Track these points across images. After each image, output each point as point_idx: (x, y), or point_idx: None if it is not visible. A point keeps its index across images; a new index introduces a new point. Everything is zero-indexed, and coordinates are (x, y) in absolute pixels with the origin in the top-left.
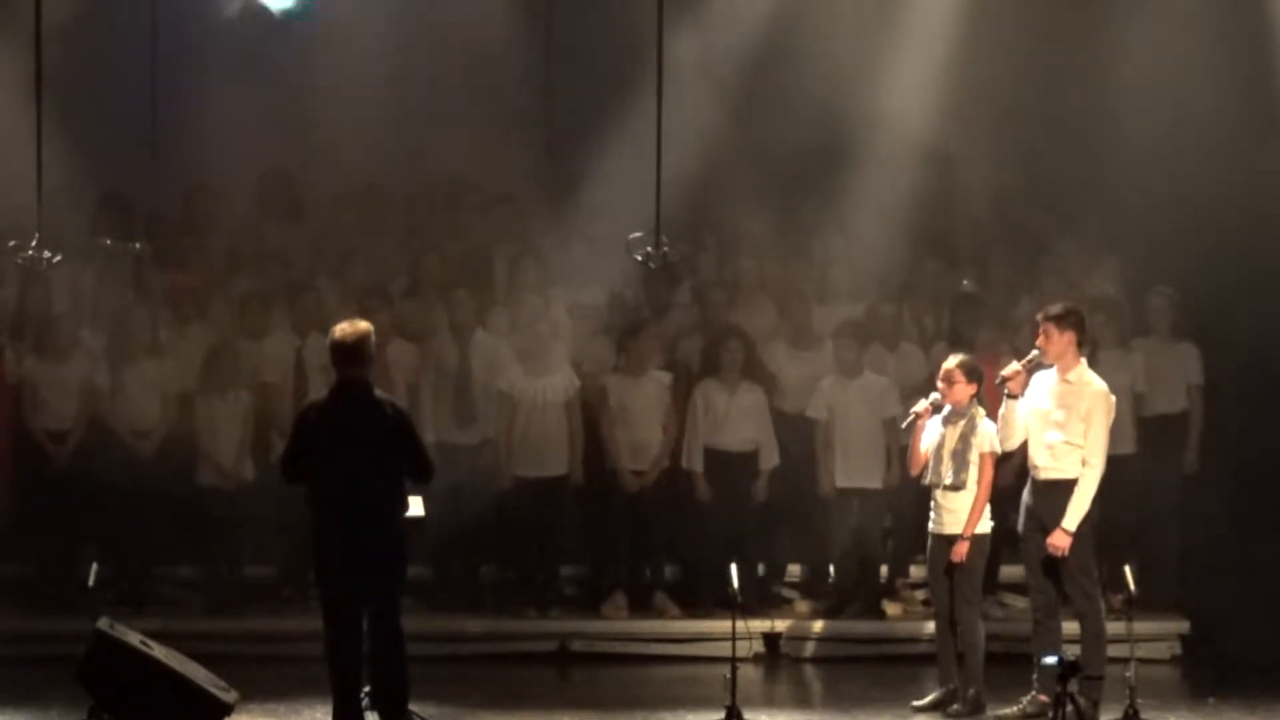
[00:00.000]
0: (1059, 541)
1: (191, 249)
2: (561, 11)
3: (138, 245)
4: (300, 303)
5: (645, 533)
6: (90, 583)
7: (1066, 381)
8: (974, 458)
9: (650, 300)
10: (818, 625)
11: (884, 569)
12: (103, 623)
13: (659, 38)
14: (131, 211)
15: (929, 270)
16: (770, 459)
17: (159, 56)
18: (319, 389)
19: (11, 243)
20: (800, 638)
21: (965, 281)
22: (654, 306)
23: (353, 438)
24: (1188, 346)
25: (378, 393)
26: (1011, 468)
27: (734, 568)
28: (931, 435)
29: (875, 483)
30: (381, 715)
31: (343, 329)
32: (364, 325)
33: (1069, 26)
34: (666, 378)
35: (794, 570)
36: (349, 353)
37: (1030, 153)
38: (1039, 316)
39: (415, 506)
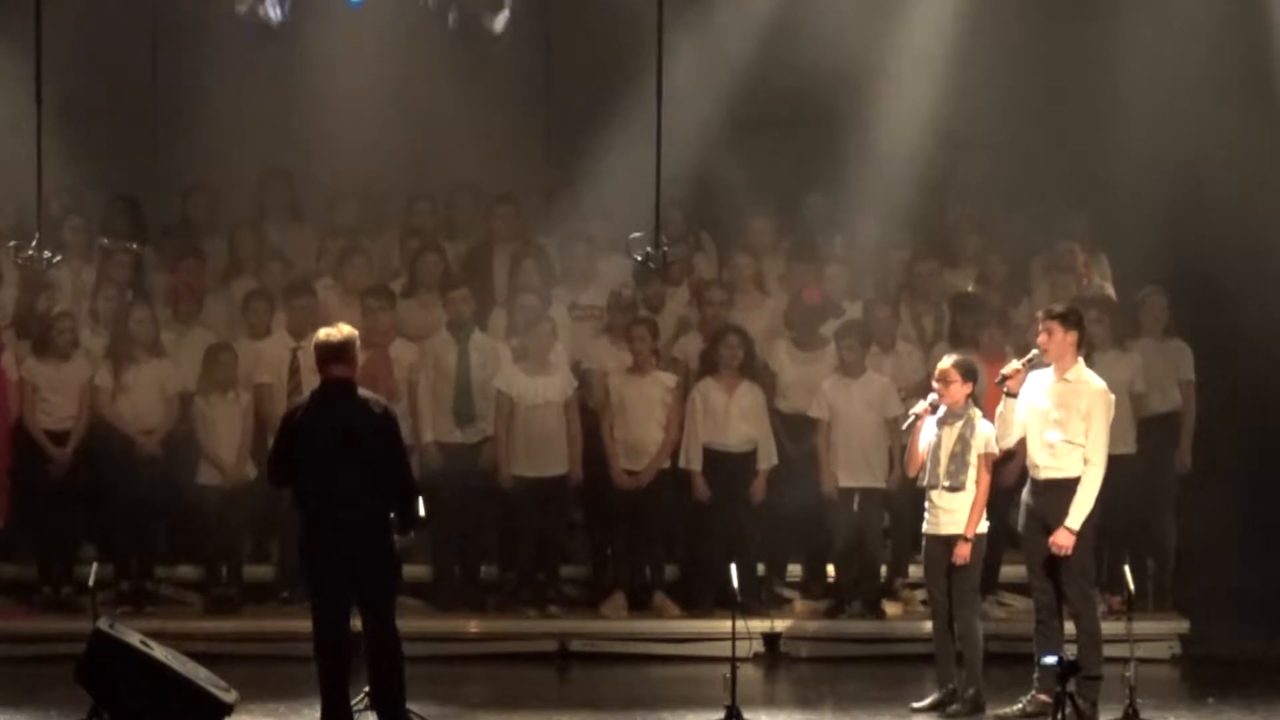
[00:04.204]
0: (1062, 541)
1: (191, 249)
2: (561, 11)
3: (136, 246)
4: (295, 304)
5: (645, 533)
6: (90, 583)
7: (1065, 380)
8: (972, 459)
9: (649, 300)
10: (818, 625)
11: (883, 569)
12: (103, 623)
13: (659, 38)
14: (140, 213)
15: (929, 270)
16: (768, 458)
17: (159, 57)
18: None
19: (12, 243)
20: (800, 638)
21: (971, 286)
22: (653, 306)
23: (338, 438)
24: (1178, 343)
25: (363, 392)
26: (1014, 468)
27: (734, 568)
28: (927, 436)
29: (876, 483)
30: (379, 716)
31: (328, 330)
32: (349, 329)
33: (1068, 27)
34: (671, 379)
35: (794, 570)
36: (334, 352)
37: (1029, 152)
38: (1040, 314)
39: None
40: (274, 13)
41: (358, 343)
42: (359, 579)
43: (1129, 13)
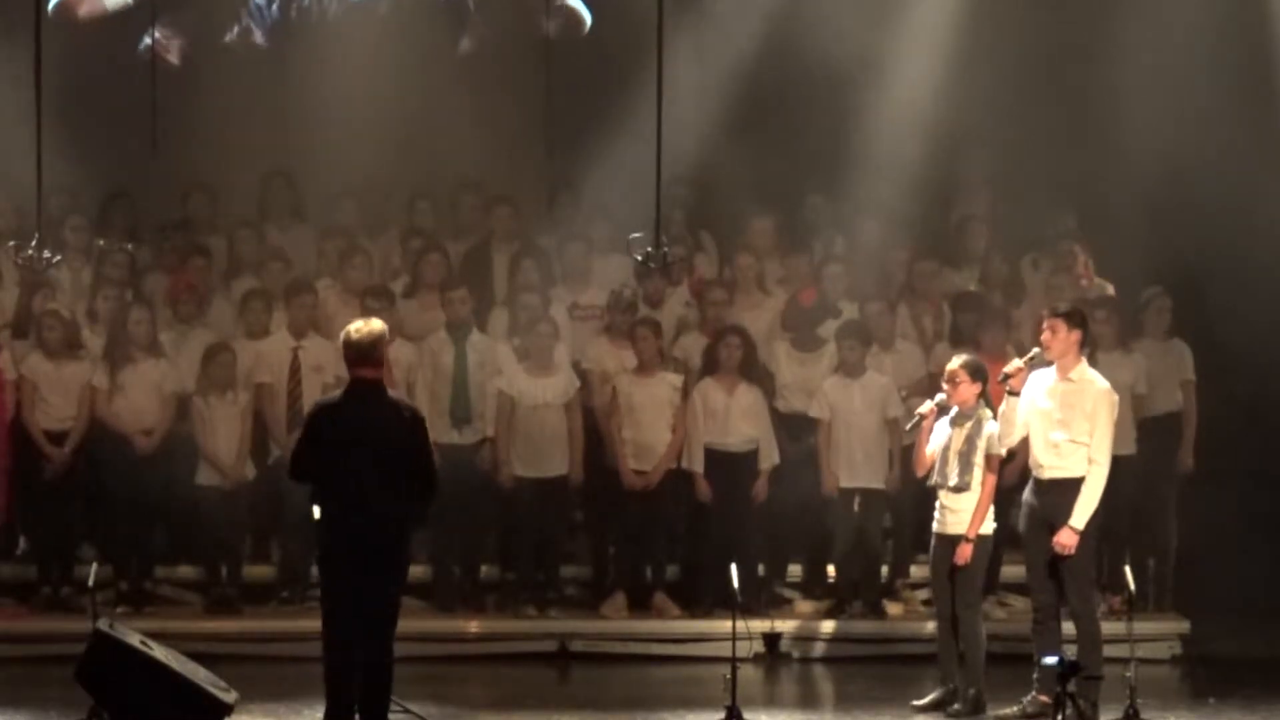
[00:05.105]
0: (1066, 540)
1: (191, 249)
2: (561, 10)
3: (130, 246)
4: (296, 304)
5: (646, 533)
6: (90, 583)
7: (1069, 380)
8: (979, 459)
9: (649, 299)
10: (818, 625)
11: (884, 569)
12: (103, 623)
13: (659, 37)
14: (136, 212)
15: (929, 270)
16: (770, 458)
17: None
18: (313, 390)
19: (11, 243)
20: (800, 637)
21: (974, 286)
22: (652, 305)
23: (364, 440)
24: (1179, 344)
25: (393, 394)
26: (1015, 468)
27: (734, 568)
28: (939, 436)
29: (877, 482)
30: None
31: (357, 328)
32: (378, 325)
33: (1068, 27)
34: (678, 379)
35: (794, 570)
36: (363, 352)
37: (1027, 151)
38: (1044, 313)
39: None
40: (260, 37)
41: (386, 340)
42: (370, 581)
43: (1128, 13)
